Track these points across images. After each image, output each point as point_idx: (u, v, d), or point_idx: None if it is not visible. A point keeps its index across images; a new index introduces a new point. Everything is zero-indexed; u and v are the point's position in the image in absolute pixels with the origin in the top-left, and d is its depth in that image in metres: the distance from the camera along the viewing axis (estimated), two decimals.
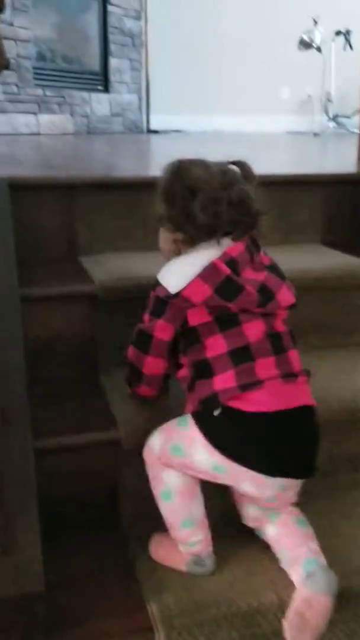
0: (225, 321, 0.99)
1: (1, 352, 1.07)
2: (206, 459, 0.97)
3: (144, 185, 1.28)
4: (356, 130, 4.75)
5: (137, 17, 4.79)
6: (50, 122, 4.10)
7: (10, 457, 0.96)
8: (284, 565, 1.01)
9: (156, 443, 1.03)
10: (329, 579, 0.94)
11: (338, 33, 5.06)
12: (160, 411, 1.09)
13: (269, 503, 1.03)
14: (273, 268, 1.06)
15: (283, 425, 0.97)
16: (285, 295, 1.04)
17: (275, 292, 1.02)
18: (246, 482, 0.98)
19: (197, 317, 1.00)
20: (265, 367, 0.98)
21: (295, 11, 5.11)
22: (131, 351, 1.09)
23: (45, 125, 4.07)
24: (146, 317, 1.06)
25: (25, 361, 1.14)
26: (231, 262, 0.99)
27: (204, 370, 0.99)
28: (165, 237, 1.07)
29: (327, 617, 0.92)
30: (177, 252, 1.05)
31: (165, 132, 4.83)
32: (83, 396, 1.26)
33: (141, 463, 1.13)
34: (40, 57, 4.10)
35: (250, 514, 1.08)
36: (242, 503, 1.08)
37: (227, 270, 0.98)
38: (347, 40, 5.06)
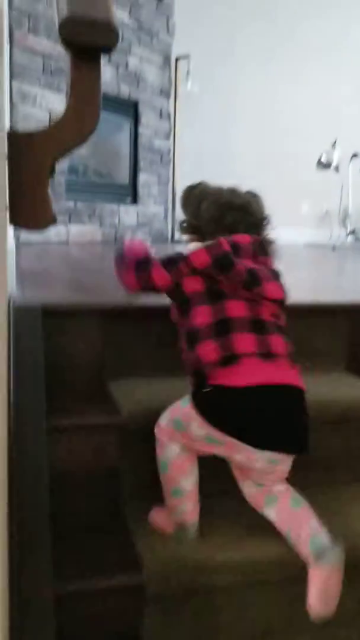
0: (213, 295, 1.14)
1: (24, 487, 1.06)
2: (200, 430, 1.11)
3: (167, 311, 1.31)
4: None
5: (166, 137, 5.12)
6: (79, 232, 4.28)
7: (29, 605, 0.93)
8: (291, 544, 1.10)
9: (164, 420, 1.19)
10: (337, 552, 1.04)
11: (355, 155, 5.33)
12: (187, 552, 1.07)
13: (262, 477, 1.13)
14: (273, 273, 1.21)
15: (265, 400, 1.08)
16: (273, 288, 1.18)
17: (262, 281, 1.16)
18: (238, 454, 1.10)
19: (192, 285, 1.16)
20: (244, 342, 1.09)
21: (315, 133, 5.42)
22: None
23: (75, 235, 4.24)
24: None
25: (48, 493, 1.12)
26: (234, 245, 1.17)
27: (192, 339, 1.14)
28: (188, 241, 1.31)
29: (341, 582, 1.04)
30: None
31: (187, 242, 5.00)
32: (106, 532, 1.23)
33: (165, 606, 1.09)
34: (73, 171, 4.33)
35: (246, 491, 1.19)
36: (240, 481, 1.19)
37: (228, 248, 1.15)
38: None
